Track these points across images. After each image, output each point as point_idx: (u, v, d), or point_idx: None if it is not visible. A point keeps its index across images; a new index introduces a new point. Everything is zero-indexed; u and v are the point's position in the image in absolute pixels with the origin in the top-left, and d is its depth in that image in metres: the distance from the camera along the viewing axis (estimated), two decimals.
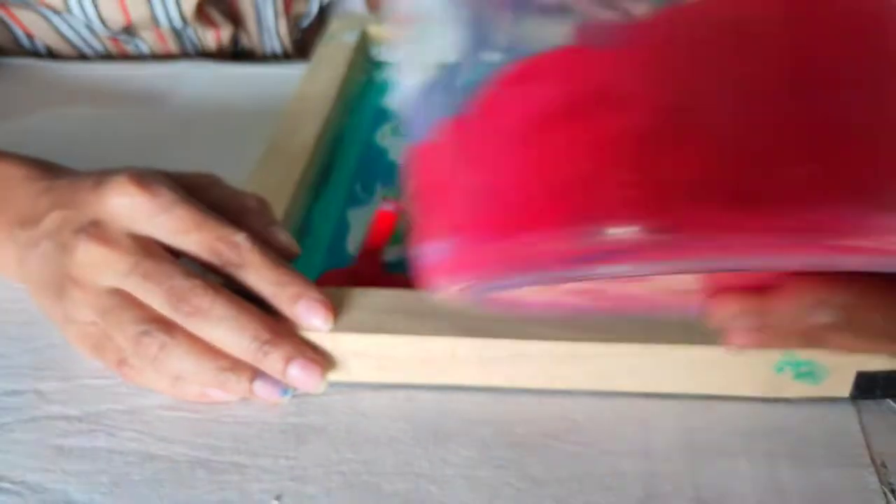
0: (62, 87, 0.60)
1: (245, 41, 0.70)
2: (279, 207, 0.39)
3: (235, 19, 0.68)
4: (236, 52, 0.70)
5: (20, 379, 0.34)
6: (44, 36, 0.65)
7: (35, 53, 0.67)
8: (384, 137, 0.52)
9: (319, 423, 0.32)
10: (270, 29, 0.69)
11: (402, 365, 0.32)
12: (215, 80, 0.61)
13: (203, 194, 0.33)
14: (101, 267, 0.31)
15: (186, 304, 0.30)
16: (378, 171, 0.48)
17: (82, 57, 0.67)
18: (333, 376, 0.32)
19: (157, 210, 0.31)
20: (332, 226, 0.43)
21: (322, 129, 0.47)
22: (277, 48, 0.71)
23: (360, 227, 0.43)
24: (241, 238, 0.31)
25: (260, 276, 0.31)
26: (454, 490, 0.29)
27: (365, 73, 0.60)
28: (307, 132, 0.46)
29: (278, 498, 0.29)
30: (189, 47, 0.68)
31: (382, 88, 0.58)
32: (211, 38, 0.67)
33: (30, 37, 0.66)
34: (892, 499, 0.29)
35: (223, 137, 0.53)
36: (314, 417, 0.32)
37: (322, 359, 0.31)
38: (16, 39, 0.66)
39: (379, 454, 0.30)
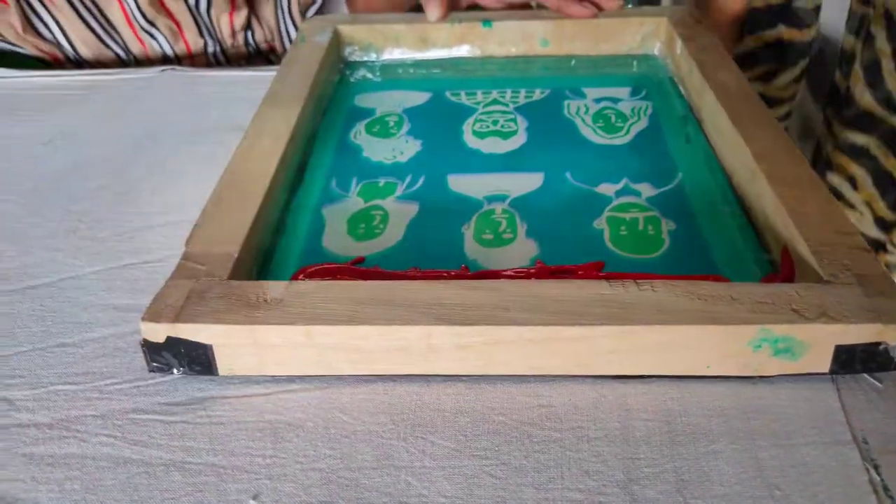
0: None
1: (258, 35, 0.71)
2: (253, 206, 0.39)
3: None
4: (249, 49, 0.72)
5: None
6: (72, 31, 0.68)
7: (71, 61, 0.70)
8: (357, 135, 0.51)
9: (296, 419, 0.31)
10: (285, 8, 0.70)
11: (378, 356, 0.32)
12: (190, 85, 0.61)
13: None
14: None
15: None
16: (353, 169, 0.48)
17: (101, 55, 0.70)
18: (311, 370, 0.32)
19: None
20: (307, 223, 0.43)
21: (294, 129, 0.47)
22: (292, 31, 0.73)
23: (335, 223, 0.43)
24: None
25: None
26: (434, 482, 0.29)
27: (337, 72, 0.59)
28: (279, 131, 0.46)
29: (255, 497, 0.28)
30: (204, 31, 0.70)
31: (355, 88, 0.58)
32: (225, 22, 0.68)
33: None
34: (875, 475, 0.29)
35: (198, 140, 0.52)
36: (291, 414, 0.31)
37: None
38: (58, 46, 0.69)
39: (357, 449, 0.30)
